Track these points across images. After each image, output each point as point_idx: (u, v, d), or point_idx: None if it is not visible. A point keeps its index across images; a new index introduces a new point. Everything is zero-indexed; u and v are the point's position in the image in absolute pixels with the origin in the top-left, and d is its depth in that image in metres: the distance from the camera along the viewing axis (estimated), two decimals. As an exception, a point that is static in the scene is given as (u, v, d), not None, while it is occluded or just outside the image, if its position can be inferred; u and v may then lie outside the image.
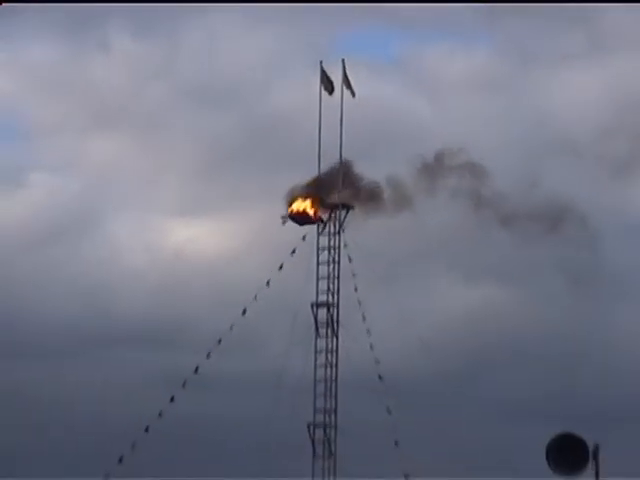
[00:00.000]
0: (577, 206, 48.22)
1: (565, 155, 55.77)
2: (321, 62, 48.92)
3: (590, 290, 50.46)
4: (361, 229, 48.62)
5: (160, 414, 45.35)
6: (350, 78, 47.91)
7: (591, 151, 52.43)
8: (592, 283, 49.37)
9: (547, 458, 18.69)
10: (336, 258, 47.66)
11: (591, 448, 18.32)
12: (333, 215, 47.69)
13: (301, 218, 47.26)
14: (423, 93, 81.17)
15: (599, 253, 48.74)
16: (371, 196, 48.04)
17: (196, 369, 46.51)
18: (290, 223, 47.53)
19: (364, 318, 46.45)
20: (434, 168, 48.77)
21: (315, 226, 47.94)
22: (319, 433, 46.77)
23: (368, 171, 48.67)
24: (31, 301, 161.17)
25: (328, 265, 47.50)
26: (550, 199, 48.47)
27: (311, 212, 47.09)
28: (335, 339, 47.38)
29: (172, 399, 46.09)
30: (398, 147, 55.43)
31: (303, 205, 46.81)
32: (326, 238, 47.53)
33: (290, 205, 47.23)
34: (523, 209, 48.58)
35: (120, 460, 44.15)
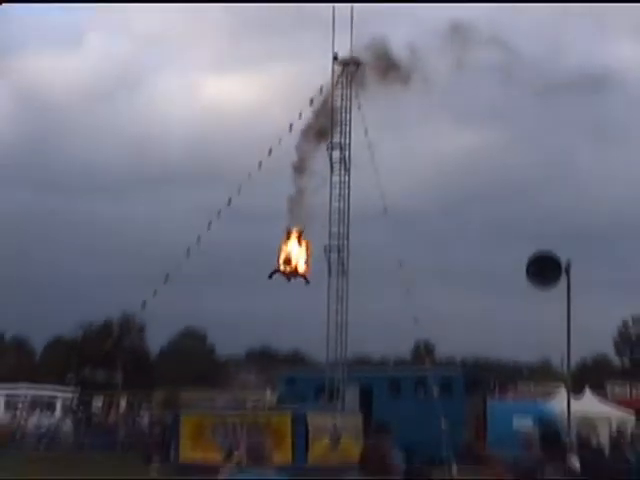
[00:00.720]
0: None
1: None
2: None
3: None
4: (371, 84, 49.62)
5: (198, 239, 45.49)
6: None
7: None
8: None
9: (527, 273, 21.39)
10: (348, 106, 49.02)
11: (564, 265, 20.98)
12: (346, 69, 48.72)
13: None
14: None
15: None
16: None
17: (229, 201, 46.40)
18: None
19: (372, 157, 46.42)
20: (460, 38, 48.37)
21: (330, 79, 48.13)
22: (334, 255, 48.80)
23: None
24: (90, 147, 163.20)
25: (340, 112, 48.94)
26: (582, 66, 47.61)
27: None
28: (347, 175, 49.04)
29: (209, 226, 46.09)
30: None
31: None
32: (339, 88, 48.78)
33: None
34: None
35: (166, 278, 44.41)
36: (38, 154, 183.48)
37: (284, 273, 44.31)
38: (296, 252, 44.50)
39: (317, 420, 38.35)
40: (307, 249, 45.59)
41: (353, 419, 39.42)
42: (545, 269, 20.73)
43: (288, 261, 44.86)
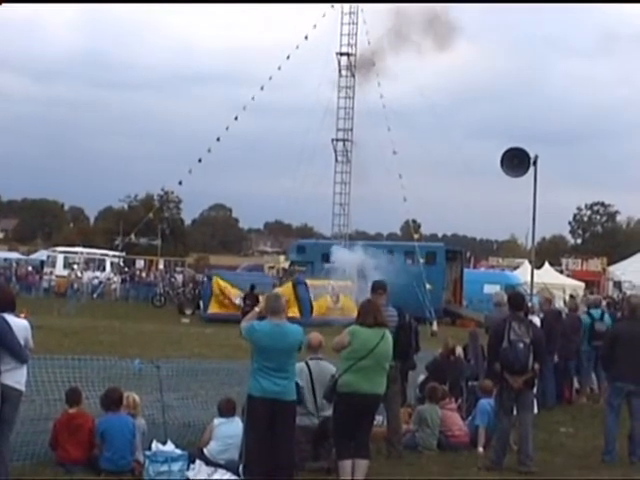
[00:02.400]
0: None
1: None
2: None
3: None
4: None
5: (227, 128, 45.78)
6: None
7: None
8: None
9: (501, 164, 21.47)
10: (355, 20, 48.76)
11: (532, 158, 21.05)
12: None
13: None
14: None
15: None
16: None
17: (252, 97, 46.56)
18: None
19: (374, 64, 46.73)
20: None
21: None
22: (340, 145, 48.95)
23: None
24: (134, 46, 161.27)
25: (349, 25, 48.69)
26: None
27: None
28: (353, 78, 48.97)
29: (236, 118, 46.42)
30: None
31: None
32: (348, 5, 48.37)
33: None
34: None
35: (199, 160, 44.74)
36: (96, 56, 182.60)
37: None
38: None
39: (316, 283, 38.72)
40: None
41: (347, 282, 39.80)
42: (516, 160, 20.66)
43: None
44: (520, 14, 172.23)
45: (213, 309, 37.75)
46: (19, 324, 9.68)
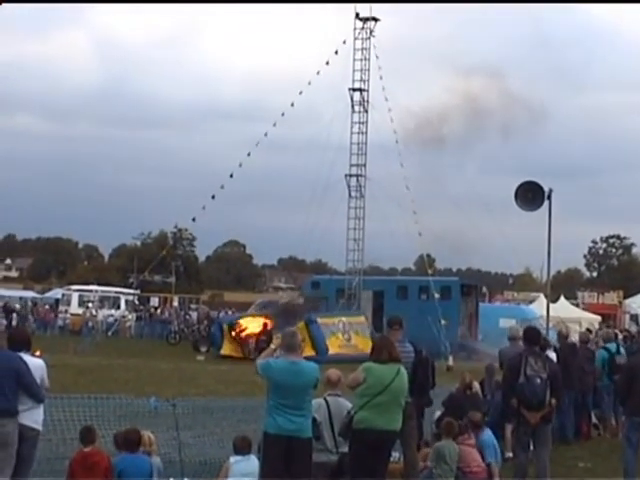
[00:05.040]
0: None
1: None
2: None
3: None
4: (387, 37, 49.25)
5: (240, 165, 45.76)
6: None
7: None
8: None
9: (515, 198, 21.47)
10: (367, 56, 48.79)
11: (546, 191, 21.04)
12: (365, 25, 48.43)
13: None
14: None
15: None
16: None
17: (265, 134, 46.49)
18: None
19: (386, 99, 46.56)
20: None
21: (352, 32, 48.26)
22: (353, 181, 48.92)
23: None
24: (160, 86, 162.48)
25: (362, 61, 48.69)
26: None
27: None
28: (366, 114, 48.99)
29: (249, 154, 46.16)
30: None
31: None
32: (360, 41, 48.54)
33: None
34: None
35: (213, 197, 44.86)
36: (108, 94, 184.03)
37: None
38: None
39: (327, 321, 38.62)
40: None
41: (357, 317, 39.66)
42: (531, 194, 20.70)
43: None
44: (530, 45, 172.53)
45: (226, 351, 37.91)
46: (35, 363, 9.73)
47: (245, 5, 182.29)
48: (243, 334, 37.82)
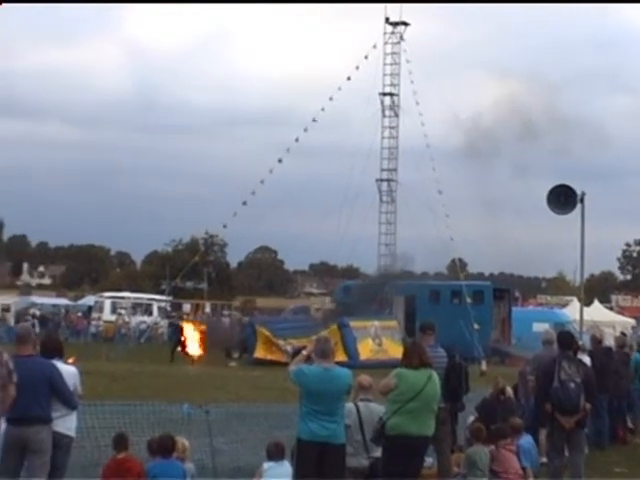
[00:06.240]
0: None
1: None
2: None
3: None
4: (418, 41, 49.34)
5: (271, 171, 46.12)
6: None
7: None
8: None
9: (548, 201, 21.34)
10: (397, 60, 48.85)
11: (579, 195, 20.92)
12: (395, 29, 48.44)
13: None
14: None
15: None
16: None
17: (296, 139, 46.74)
18: None
19: (417, 103, 46.51)
20: None
21: (382, 36, 48.44)
22: (385, 186, 49.00)
23: None
24: (190, 92, 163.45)
25: (392, 65, 48.76)
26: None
27: None
28: (396, 118, 49.07)
29: (280, 160, 46.43)
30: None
31: None
32: (390, 46, 48.63)
33: None
34: None
35: (244, 203, 45.42)
36: (139, 100, 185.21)
37: None
38: None
39: (359, 325, 38.54)
40: None
41: (390, 322, 39.54)
42: (563, 198, 20.58)
43: None
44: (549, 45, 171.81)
45: (259, 354, 37.82)
46: (68, 371, 9.79)
47: (275, 11, 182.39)
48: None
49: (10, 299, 64.27)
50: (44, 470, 9.39)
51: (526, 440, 12.76)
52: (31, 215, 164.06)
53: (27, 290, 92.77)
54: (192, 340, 38.15)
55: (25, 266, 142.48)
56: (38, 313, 54.33)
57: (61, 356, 9.95)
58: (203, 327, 40.23)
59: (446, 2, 79.42)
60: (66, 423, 9.56)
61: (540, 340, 16.68)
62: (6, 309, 58.14)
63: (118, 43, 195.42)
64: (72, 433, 9.75)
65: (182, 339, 37.90)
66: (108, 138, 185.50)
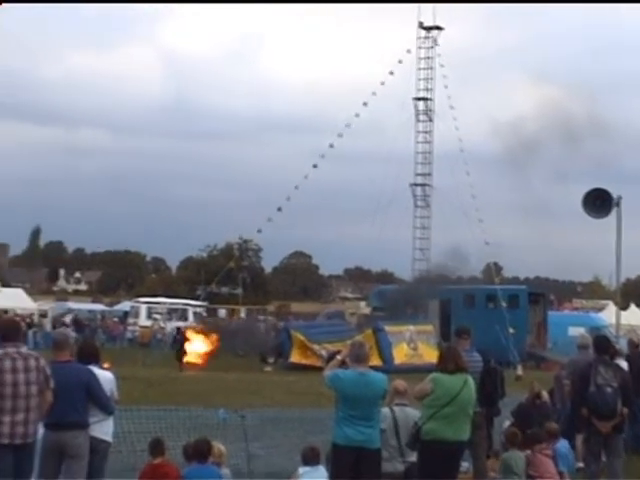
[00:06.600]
0: None
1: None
2: None
3: None
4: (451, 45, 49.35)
5: (306, 177, 46.18)
6: None
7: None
8: None
9: (583, 205, 21.24)
10: (431, 65, 48.71)
11: (615, 199, 20.80)
12: (429, 34, 48.37)
13: None
14: None
15: None
16: None
17: (331, 145, 46.73)
18: None
19: (451, 107, 46.49)
20: None
21: (416, 41, 48.32)
22: (419, 190, 48.95)
23: None
24: (225, 99, 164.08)
25: (426, 70, 48.67)
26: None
27: None
28: (430, 123, 48.98)
29: (315, 166, 46.67)
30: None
31: None
32: (424, 50, 48.57)
33: None
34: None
35: (279, 209, 45.60)
36: (175, 107, 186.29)
37: None
38: None
39: (394, 330, 38.46)
40: None
41: (425, 326, 39.41)
42: (599, 201, 20.45)
43: None
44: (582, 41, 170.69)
45: (294, 359, 37.84)
46: (105, 376, 9.86)
47: (309, 16, 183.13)
48: None
49: (47, 305, 64.72)
50: (82, 475, 9.46)
51: (562, 445, 12.69)
52: (67, 221, 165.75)
53: (63, 296, 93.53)
54: (194, 348, 38.14)
55: (61, 272, 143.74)
56: (68, 320, 54.63)
57: (97, 361, 10.02)
58: (214, 336, 39.94)
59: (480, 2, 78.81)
60: (103, 428, 9.63)
61: (576, 344, 16.58)
62: (43, 315, 58.52)
63: (152, 50, 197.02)
64: (109, 438, 9.82)
65: (184, 346, 37.78)
66: (143, 145, 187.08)
